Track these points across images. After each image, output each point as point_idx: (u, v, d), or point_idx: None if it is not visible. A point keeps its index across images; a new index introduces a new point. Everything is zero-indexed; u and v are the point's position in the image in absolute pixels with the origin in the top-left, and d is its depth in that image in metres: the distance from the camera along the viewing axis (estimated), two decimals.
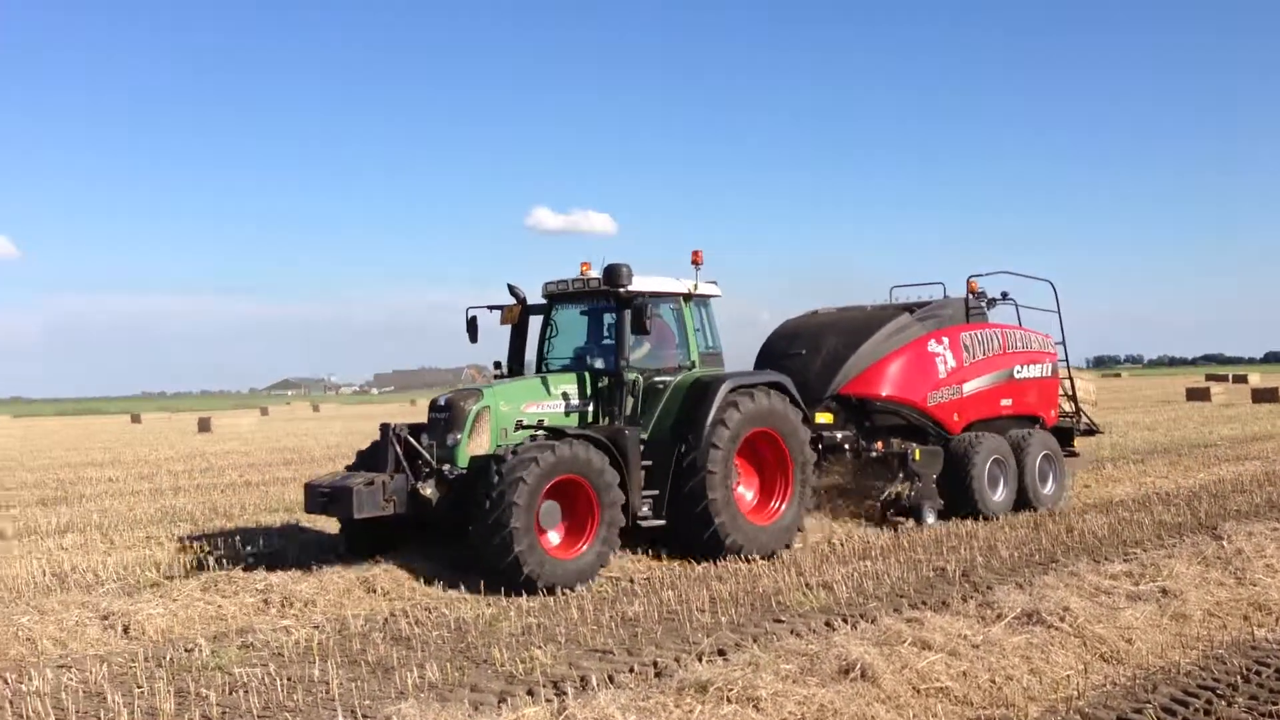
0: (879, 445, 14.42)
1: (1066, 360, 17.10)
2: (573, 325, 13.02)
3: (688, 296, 12.67)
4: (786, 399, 12.59)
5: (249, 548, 12.64)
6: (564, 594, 10.34)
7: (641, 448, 11.65)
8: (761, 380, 12.60)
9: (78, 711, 6.90)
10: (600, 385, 12.08)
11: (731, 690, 6.51)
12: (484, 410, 11.35)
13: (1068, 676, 7.27)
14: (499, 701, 6.91)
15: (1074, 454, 16.99)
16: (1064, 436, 16.74)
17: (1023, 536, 12.75)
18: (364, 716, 6.70)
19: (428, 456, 11.00)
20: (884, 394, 14.63)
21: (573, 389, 12.05)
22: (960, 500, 14.50)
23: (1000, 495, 14.81)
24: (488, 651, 8.22)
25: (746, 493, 12.60)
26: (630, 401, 11.94)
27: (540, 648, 8.22)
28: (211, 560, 11.71)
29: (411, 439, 11.03)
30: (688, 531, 11.76)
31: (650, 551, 12.03)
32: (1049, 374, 16.44)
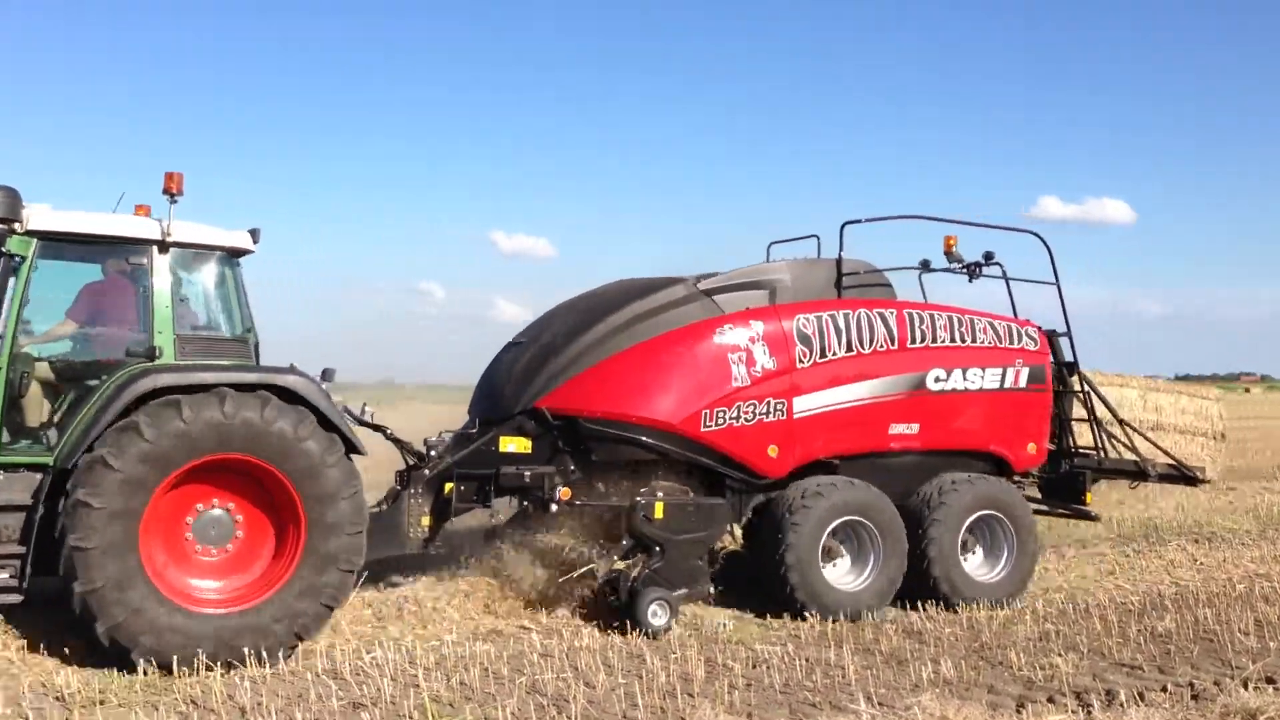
0: (563, 494, 9.11)
1: (1075, 359, 11.00)
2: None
3: (163, 245, 7.96)
4: (287, 408, 7.71)
5: None
6: (1083, 602, 9.86)
7: (40, 478, 7.55)
8: (234, 379, 7.70)
9: (622, 670, 7.65)
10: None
11: None
12: None
13: None
14: (1017, 706, 6.80)
15: (1088, 516, 11.05)
16: (1066, 488, 10.90)
17: None
18: (881, 704, 6.83)
19: None
20: (608, 410, 9.19)
21: None
22: (773, 586, 9.35)
23: (860, 581, 9.49)
24: (1003, 654, 8.06)
25: (234, 578, 7.76)
26: (22, 406, 7.75)
27: (1060, 655, 7.93)
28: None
29: None
30: (77, 620, 7.40)
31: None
32: (1019, 384, 10.26)
